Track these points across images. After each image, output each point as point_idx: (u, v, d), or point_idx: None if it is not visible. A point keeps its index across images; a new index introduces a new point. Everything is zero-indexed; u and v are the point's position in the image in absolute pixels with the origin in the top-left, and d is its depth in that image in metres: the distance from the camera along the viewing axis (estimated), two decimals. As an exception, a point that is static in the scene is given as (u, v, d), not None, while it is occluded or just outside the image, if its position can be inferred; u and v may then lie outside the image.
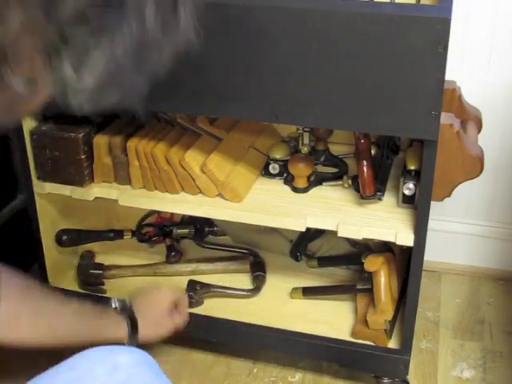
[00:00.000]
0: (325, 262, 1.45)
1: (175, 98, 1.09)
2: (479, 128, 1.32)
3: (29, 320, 1.00)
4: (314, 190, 1.27)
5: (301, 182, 1.26)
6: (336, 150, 1.34)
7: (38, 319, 1.01)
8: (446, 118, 1.13)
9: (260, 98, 1.06)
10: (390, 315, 1.24)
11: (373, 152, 1.20)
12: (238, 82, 1.05)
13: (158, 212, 1.50)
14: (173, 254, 1.47)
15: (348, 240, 1.45)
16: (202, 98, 1.09)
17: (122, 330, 1.13)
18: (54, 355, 1.45)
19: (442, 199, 1.23)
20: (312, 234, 1.46)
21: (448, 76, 0.97)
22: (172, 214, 1.54)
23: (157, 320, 1.21)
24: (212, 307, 1.36)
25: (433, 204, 1.10)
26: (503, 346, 1.45)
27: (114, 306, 1.17)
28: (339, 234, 1.16)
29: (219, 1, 0.99)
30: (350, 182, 1.25)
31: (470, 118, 1.30)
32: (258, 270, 1.43)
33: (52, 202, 1.36)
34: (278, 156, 1.30)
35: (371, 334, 1.25)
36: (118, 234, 1.46)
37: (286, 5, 0.98)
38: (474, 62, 1.44)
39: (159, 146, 1.23)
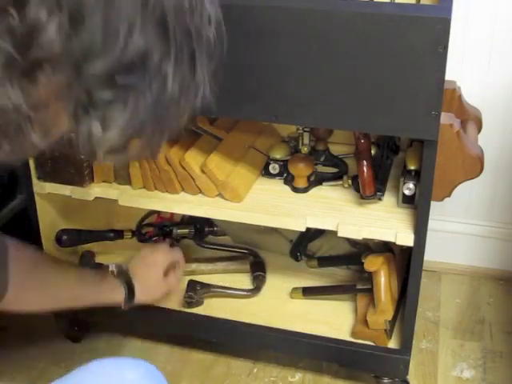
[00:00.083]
0: (325, 261, 1.45)
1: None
2: (479, 128, 1.32)
3: (35, 293, 1.06)
4: (314, 190, 1.27)
5: (301, 182, 1.26)
6: (336, 149, 1.34)
7: (44, 291, 1.08)
8: (446, 117, 1.13)
9: (260, 98, 1.06)
10: (390, 315, 1.24)
11: (373, 152, 1.20)
12: (237, 82, 1.05)
13: (158, 212, 1.50)
14: None
15: (348, 240, 1.44)
16: (201, 98, 1.09)
17: (119, 294, 1.19)
18: (54, 356, 1.45)
19: (441, 199, 1.23)
20: (312, 234, 1.46)
21: (448, 76, 0.97)
22: (172, 214, 1.54)
23: (152, 284, 1.25)
24: (212, 307, 1.36)
25: (433, 204, 1.10)
26: (503, 346, 1.45)
27: (111, 269, 1.20)
28: (339, 234, 1.16)
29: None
30: (349, 181, 1.25)
31: (470, 118, 1.29)
32: (258, 270, 1.43)
33: (52, 202, 1.36)
34: (278, 156, 1.30)
35: (371, 334, 1.25)
36: (118, 234, 1.46)
37: (286, 5, 0.98)
38: (474, 62, 1.44)
39: (159, 146, 1.23)
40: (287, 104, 1.05)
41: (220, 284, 1.40)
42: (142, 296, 1.23)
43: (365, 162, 1.15)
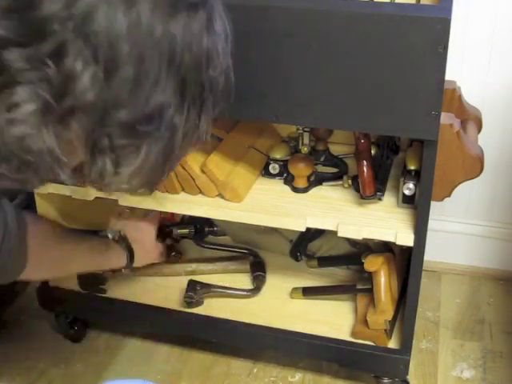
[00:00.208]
0: (325, 261, 1.45)
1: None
2: (479, 128, 1.32)
3: (50, 265, 1.14)
4: (314, 190, 1.27)
5: (301, 182, 1.26)
6: (336, 149, 1.34)
7: (58, 262, 1.16)
8: (446, 117, 1.13)
9: (260, 98, 1.06)
10: (390, 315, 1.24)
11: (373, 152, 1.20)
12: (237, 82, 1.05)
13: (159, 212, 1.50)
14: (173, 253, 1.47)
15: (348, 240, 1.45)
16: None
17: (122, 260, 1.28)
18: (54, 356, 1.45)
19: (442, 199, 1.23)
20: (312, 234, 1.46)
21: (448, 76, 0.97)
22: (172, 214, 1.54)
23: (149, 246, 1.33)
24: (212, 307, 1.36)
25: (433, 204, 1.10)
26: (503, 346, 1.45)
27: (110, 237, 1.28)
28: (339, 234, 1.16)
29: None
30: (349, 181, 1.25)
31: (470, 118, 1.30)
32: (258, 270, 1.43)
33: (52, 201, 1.36)
34: (278, 156, 1.30)
35: (371, 334, 1.25)
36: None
37: (286, 5, 0.98)
38: (474, 62, 1.44)
39: (159, 146, 1.23)
40: (287, 104, 1.05)
41: (220, 284, 1.40)
42: (140, 259, 1.31)
43: (365, 162, 1.15)
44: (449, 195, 1.22)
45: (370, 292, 1.27)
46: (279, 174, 1.30)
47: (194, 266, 1.46)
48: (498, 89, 1.46)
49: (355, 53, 0.98)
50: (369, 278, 1.27)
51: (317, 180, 1.28)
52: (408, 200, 1.18)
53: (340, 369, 1.37)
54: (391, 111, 1.00)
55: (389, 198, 1.22)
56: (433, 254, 1.58)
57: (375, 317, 1.23)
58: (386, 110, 1.01)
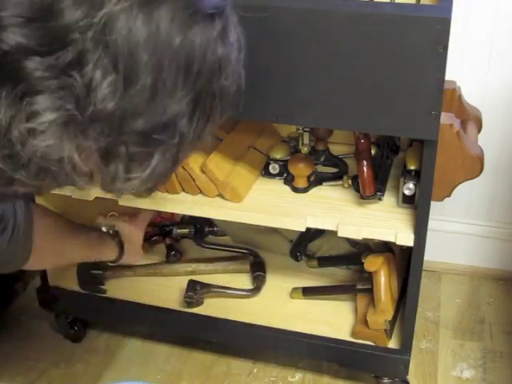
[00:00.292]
0: (325, 261, 1.45)
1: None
2: (479, 128, 1.32)
3: (52, 256, 1.17)
4: (314, 190, 1.27)
5: (301, 182, 1.26)
6: (336, 149, 1.34)
7: (59, 254, 1.20)
8: (446, 117, 1.13)
9: (260, 98, 1.06)
10: (390, 315, 1.24)
11: (373, 152, 1.20)
12: (237, 82, 1.05)
13: (158, 212, 1.50)
14: (173, 253, 1.47)
15: (348, 240, 1.45)
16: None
17: (113, 254, 1.33)
18: (54, 356, 1.45)
19: (441, 199, 1.23)
20: (312, 234, 1.46)
21: (448, 76, 0.97)
22: (172, 214, 1.54)
23: (136, 248, 1.38)
24: (212, 307, 1.36)
25: (433, 204, 1.10)
26: (503, 346, 1.45)
27: (105, 230, 1.33)
28: (339, 234, 1.16)
29: (219, 1, 0.99)
30: (349, 181, 1.25)
31: (470, 118, 1.29)
32: (258, 269, 1.43)
33: (52, 202, 1.36)
34: (278, 156, 1.30)
35: (371, 334, 1.25)
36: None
37: (286, 5, 0.98)
38: (474, 62, 1.44)
39: (159, 146, 1.23)
40: (287, 104, 1.05)
41: (220, 284, 1.40)
42: (128, 257, 1.36)
43: (365, 162, 1.15)
44: (449, 195, 1.22)
45: (370, 292, 1.27)
46: (279, 174, 1.30)
47: (194, 265, 1.46)
48: (498, 89, 1.46)
49: (355, 53, 0.98)
50: (369, 278, 1.27)
51: (317, 180, 1.28)
52: (408, 200, 1.18)
53: (340, 369, 1.37)
54: (391, 111, 1.00)
55: (389, 198, 1.22)
56: (433, 254, 1.58)
57: (375, 317, 1.23)
58: (386, 109, 1.01)
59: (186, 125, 0.57)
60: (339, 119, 1.05)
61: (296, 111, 1.06)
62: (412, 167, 1.17)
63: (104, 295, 1.41)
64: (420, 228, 1.10)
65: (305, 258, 1.47)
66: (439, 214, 1.59)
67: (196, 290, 1.36)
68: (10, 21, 0.48)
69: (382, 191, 1.22)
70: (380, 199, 1.21)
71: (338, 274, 1.44)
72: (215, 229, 1.53)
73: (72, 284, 1.43)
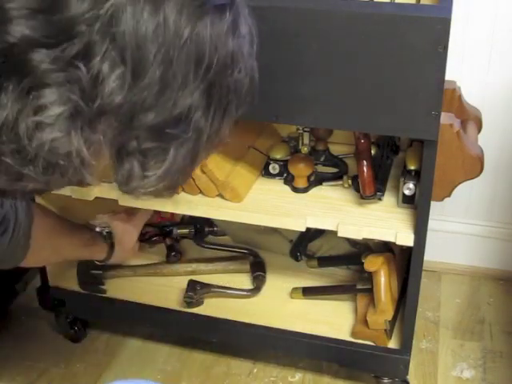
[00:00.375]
0: (325, 261, 1.45)
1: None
2: (479, 128, 1.32)
3: (47, 254, 1.18)
4: (314, 190, 1.27)
5: (301, 182, 1.26)
6: (336, 149, 1.34)
7: (54, 252, 1.20)
8: (446, 117, 1.13)
9: (260, 97, 1.05)
10: (390, 315, 1.24)
11: (373, 152, 1.20)
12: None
13: (158, 212, 1.50)
14: (173, 254, 1.47)
15: (348, 240, 1.44)
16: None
17: (103, 254, 1.33)
18: (54, 356, 1.45)
19: (442, 199, 1.23)
20: (312, 234, 1.46)
21: (448, 76, 0.97)
22: (172, 214, 1.54)
23: (127, 249, 1.37)
24: (212, 307, 1.36)
25: (433, 204, 1.10)
26: (503, 346, 1.45)
27: (98, 230, 1.32)
28: (339, 234, 1.16)
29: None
30: (349, 181, 1.25)
31: (470, 118, 1.29)
32: (258, 270, 1.43)
33: (52, 202, 1.36)
34: (278, 156, 1.30)
35: (371, 334, 1.25)
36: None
37: (286, 5, 0.98)
38: (474, 62, 1.44)
39: (159, 146, 1.23)
40: (287, 104, 1.05)
41: (220, 284, 1.40)
42: (117, 257, 1.35)
43: (365, 162, 1.15)
44: (449, 195, 1.22)
45: (370, 292, 1.27)
46: (279, 174, 1.30)
47: (194, 265, 1.46)
48: (498, 89, 1.45)
49: (355, 53, 0.98)
50: (369, 277, 1.27)
51: (317, 180, 1.28)
52: (408, 200, 1.18)
53: (340, 369, 1.37)
54: (391, 111, 1.00)
55: (389, 198, 1.22)
56: (433, 254, 1.58)
57: (375, 317, 1.23)
58: (386, 109, 1.01)
59: (201, 119, 0.56)
60: (339, 119, 1.05)
61: (296, 111, 1.06)
62: (412, 167, 1.17)
63: (104, 295, 1.41)
64: (420, 228, 1.10)
65: (305, 258, 1.47)
66: (439, 214, 1.59)
67: (196, 290, 1.36)
68: (15, 13, 0.48)
69: (382, 191, 1.22)
70: (380, 199, 1.21)
71: (337, 274, 1.44)
72: (215, 229, 1.53)
73: (72, 284, 1.43)
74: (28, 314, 1.55)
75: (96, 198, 1.28)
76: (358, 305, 1.32)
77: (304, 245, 1.47)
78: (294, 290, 1.38)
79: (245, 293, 1.39)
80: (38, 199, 1.32)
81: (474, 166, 1.19)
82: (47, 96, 0.49)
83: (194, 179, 1.22)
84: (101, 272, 1.43)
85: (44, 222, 1.13)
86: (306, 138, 1.29)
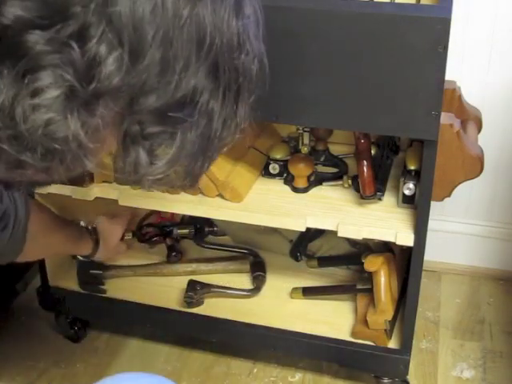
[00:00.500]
0: (325, 261, 1.45)
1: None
2: (479, 128, 1.32)
3: (40, 249, 1.20)
4: (314, 190, 1.27)
5: (301, 182, 1.26)
6: (336, 149, 1.34)
7: (44, 248, 1.22)
8: (446, 117, 1.13)
9: (260, 98, 1.05)
10: (390, 315, 1.24)
11: (373, 152, 1.20)
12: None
13: (159, 212, 1.50)
14: (173, 254, 1.47)
15: (348, 240, 1.44)
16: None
17: (88, 249, 1.34)
18: (54, 356, 1.45)
19: (442, 199, 1.23)
20: (312, 234, 1.46)
21: (448, 76, 0.97)
22: (172, 214, 1.54)
23: (111, 246, 1.39)
24: (212, 307, 1.36)
25: (433, 204, 1.10)
26: (503, 346, 1.45)
27: (83, 224, 1.35)
28: (339, 234, 1.16)
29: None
30: (349, 181, 1.25)
31: (470, 118, 1.30)
32: (258, 270, 1.43)
33: (52, 201, 1.36)
34: (278, 156, 1.30)
35: (371, 334, 1.25)
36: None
37: (286, 5, 0.98)
38: (474, 62, 1.44)
39: (159, 146, 1.23)
40: (287, 104, 1.05)
41: (220, 284, 1.40)
42: (101, 253, 1.37)
43: (365, 162, 1.15)
44: (449, 195, 1.22)
45: (370, 292, 1.27)
46: (279, 174, 1.30)
47: (194, 266, 1.46)
48: (498, 89, 1.46)
49: (355, 53, 0.98)
50: (369, 277, 1.27)
51: (317, 180, 1.28)
52: (408, 200, 1.18)
53: (340, 369, 1.37)
54: (391, 111, 1.00)
55: (389, 198, 1.22)
56: (433, 254, 1.58)
57: (375, 317, 1.23)
58: (386, 109, 1.01)
59: (209, 101, 0.55)
60: (339, 119, 1.05)
61: (296, 111, 1.06)
62: (412, 167, 1.17)
63: (104, 295, 1.41)
64: (420, 228, 1.10)
65: (305, 258, 1.47)
66: (439, 213, 1.59)
67: (196, 290, 1.36)
68: None
69: (382, 191, 1.22)
70: (380, 199, 1.21)
71: (338, 274, 1.44)
72: (215, 229, 1.53)
73: (72, 284, 1.43)
74: (28, 314, 1.55)
75: (96, 198, 1.28)
76: (358, 305, 1.32)
77: (304, 245, 1.47)
78: (294, 289, 1.38)
79: (245, 293, 1.39)
80: (37, 197, 1.33)
81: (474, 165, 1.19)
82: (43, 79, 0.48)
83: (193, 179, 1.22)
84: (101, 272, 1.43)
85: (39, 217, 1.14)
86: (306, 138, 1.29)
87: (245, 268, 1.45)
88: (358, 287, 1.32)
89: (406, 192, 1.17)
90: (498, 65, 1.43)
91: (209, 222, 1.52)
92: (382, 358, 1.24)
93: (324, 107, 1.04)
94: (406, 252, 1.24)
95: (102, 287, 1.43)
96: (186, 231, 1.50)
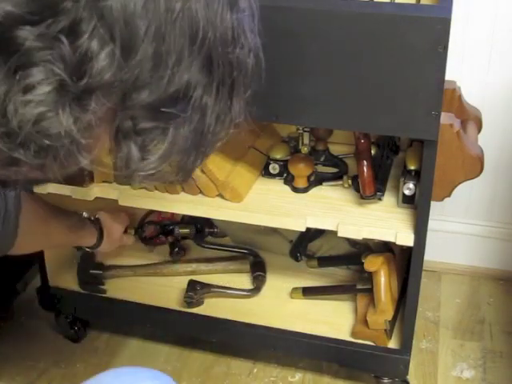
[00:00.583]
0: (325, 261, 1.45)
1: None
2: (479, 128, 1.32)
3: (36, 241, 1.19)
4: (314, 190, 1.27)
5: (301, 182, 1.26)
6: (336, 150, 1.34)
7: (43, 239, 1.21)
8: (446, 117, 1.13)
9: (260, 98, 1.05)
10: (390, 315, 1.24)
11: (373, 152, 1.20)
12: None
13: (159, 212, 1.50)
14: (176, 250, 1.47)
15: (348, 240, 1.44)
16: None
17: (92, 240, 1.32)
18: (54, 356, 1.45)
19: (442, 199, 1.23)
20: (312, 234, 1.46)
21: (448, 76, 0.97)
22: (172, 214, 1.54)
23: (116, 237, 1.38)
24: (212, 307, 1.36)
25: (433, 204, 1.10)
26: (503, 346, 1.45)
27: (86, 215, 1.33)
28: (339, 234, 1.16)
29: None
30: (349, 181, 1.25)
31: (470, 118, 1.30)
32: (258, 270, 1.43)
33: (52, 202, 1.36)
34: (278, 156, 1.30)
35: (371, 334, 1.25)
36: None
37: (286, 5, 0.98)
38: (474, 62, 1.44)
39: (159, 146, 1.23)
40: (287, 104, 1.05)
41: (220, 284, 1.40)
42: (105, 245, 1.35)
43: (365, 162, 1.15)
44: (449, 195, 1.22)
45: (370, 292, 1.27)
46: (279, 174, 1.30)
47: (194, 266, 1.46)
48: (498, 89, 1.46)
49: (355, 53, 0.98)
50: (369, 277, 1.27)
51: (317, 180, 1.28)
52: (408, 200, 1.18)
53: (340, 369, 1.37)
54: (391, 111, 1.00)
55: (389, 198, 1.22)
56: (433, 254, 1.58)
57: (375, 317, 1.23)
58: (386, 109, 1.01)
59: (203, 96, 0.54)
60: (339, 119, 1.05)
61: (296, 111, 1.06)
62: (412, 167, 1.17)
63: (104, 295, 1.41)
64: (420, 228, 1.10)
65: (305, 258, 1.47)
66: (439, 214, 1.59)
67: (196, 290, 1.36)
68: None
69: (382, 191, 1.22)
70: (380, 199, 1.21)
71: (338, 274, 1.44)
72: (215, 230, 1.53)
73: (72, 284, 1.43)
74: (28, 314, 1.55)
75: (96, 197, 1.28)
76: (358, 305, 1.32)
77: (304, 245, 1.47)
78: (294, 289, 1.38)
79: (245, 293, 1.39)
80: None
81: (474, 165, 1.19)
82: (35, 75, 0.48)
83: (193, 179, 1.22)
84: (101, 272, 1.43)
85: (34, 208, 1.13)
86: (306, 138, 1.29)
87: (245, 268, 1.45)
88: (358, 287, 1.32)
89: (406, 192, 1.17)
90: (498, 65, 1.43)
91: (209, 222, 1.52)
92: (382, 358, 1.24)
93: (324, 107, 1.04)
94: (406, 252, 1.24)
95: (102, 287, 1.43)
96: (186, 231, 1.51)
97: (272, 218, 1.20)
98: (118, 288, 1.42)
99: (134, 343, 1.48)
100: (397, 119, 1.01)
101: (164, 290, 1.41)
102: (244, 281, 1.44)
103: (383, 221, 1.16)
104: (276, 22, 0.99)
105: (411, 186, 1.16)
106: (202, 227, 1.51)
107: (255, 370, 1.41)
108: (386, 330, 1.24)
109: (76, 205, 1.33)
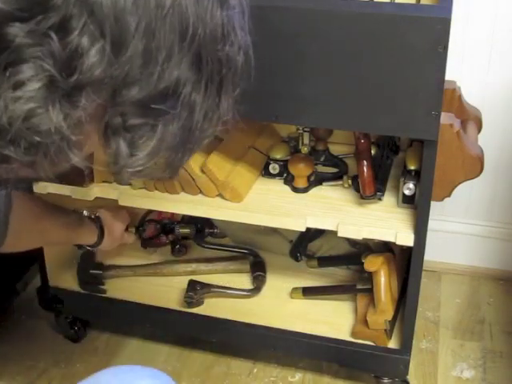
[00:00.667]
0: (325, 261, 1.45)
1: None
2: (479, 128, 1.32)
3: (30, 239, 1.17)
4: (314, 190, 1.27)
5: (301, 182, 1.26)
6: (336, 150, 1.34)
7: (38, 236, 1.19)
8: (446, 117, 1.13)
9: (260, 98, 1.06)
10: (390, 315, 1.24)
11: (373, 152, 1.20)
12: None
13: (159, 212, 1.50)
14: (177, 247, 1.48)
15: (348, 240, 1.44)
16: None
17: (93, 238, 1.30)
18: (54, 356, 1.45)
19: (442, 199, 1.23)
20: (312, 234, 1.46)
21: (448, 76, 0.97)
22: (172, 214, 1.54)
23: (117, 235, 1.37)
24: (212, 307, 1.36)
25: (433, 204, 1.10)
26: (503, 346, 1.45)
27: (86, 214, 1.31)
28: (339, 234, 1.16)
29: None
30: (349, 181, 1.25)
31: (470, 118, 1.30)
32: (258, 270, 1.43)
33: (52, 201, 1.36)
34: (278, 156, 1.30)
35: (371, 334, 1.25)
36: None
37: (286, 5, 0.98)
38: (474, 62, 1.44)
39: (159, 146, 1.23)
40: (287, 104, 1.05)
41: (220, 284, 1.40)
42: (106, 243, 1.33)
43: (365, 162, 1.15)
44: (449, 195, 1.22)
45: (370, 292, 1.27)
46: (279, 174, 1.30)
47: (194, 265, 1.46)
48: (498, 89, 1.46)
49: (355, 53, 0.98)
50: (369, 277, 1.27)
51: (317, 180, 1.28)
52: (408, 200, 1.18)
53: (340, 369, 1.37)
54: (391, 111, 1.00)
55: (389, 198, 1.22)
56: (433, 254, 1.58)
57: (375, 317, 1.23)
58: (386, 109, 1.01)
59: (191, 93, 0.54)
60: (339, 119, 1.05)
61: (296, 111, 1.06)
62: (412, 167, 1.17)
63: (104, 295, 1.41)
64: (420, 228, 1.10)
65: (305, 258, 1.47)
66: (439, 214, 1.59)
67: (196, 290, 1.36)
68: None
69: (382, 191, 1.22)
70: (380, 199, 1.21)
71: (338, 274, 1.44)
72: (215, 230, 1.53)
73: (72, 284, 1.43)
74: (28, 314, 1.55)
75: (96, 197, 1.28)
76: (358, 305, 1.32)
77: (304, 245, 1.47)
78: (294, 289, 1.38)
79: (245, 293, 1.39)
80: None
81: (474, 165, 1.19)
82: (25, 71, 0.48)
83: (193, 179, 1.22)
84: (101, 272, 1.43)
85: (28, 206, 1.13)
86: (306, 138, 1.29)
87: (245, 268, 1.45)
88: (358, 287, 1.32)
89: (406, 192, 1.17)
90: (498, 65, 1.43)
91: (209, 223, 1.52)
92: (382, 358, 1.24)
93: (324, 107, 1.04)
94: (406, 252, 1.24)
95: (102, 287, 1.43)
96: (186, 231, 1.51)
97: (272, 217, 1.20)
98: (118, 288, 1.42)
99: (133, 343, 1.48)
100: (397, 119, 1.01)
101: (164, 289, 1.41)
102: (244, 281, 1.44)
103: (383, 221, 1.16)
104: (276, 22, 0.99)
105: (411, 186, 1.16)
106: (202, 227, 1.51)
107: (255, 370, 1.41)
108: (385, 330, 1.24)
109: (76, 204, 1.33)
